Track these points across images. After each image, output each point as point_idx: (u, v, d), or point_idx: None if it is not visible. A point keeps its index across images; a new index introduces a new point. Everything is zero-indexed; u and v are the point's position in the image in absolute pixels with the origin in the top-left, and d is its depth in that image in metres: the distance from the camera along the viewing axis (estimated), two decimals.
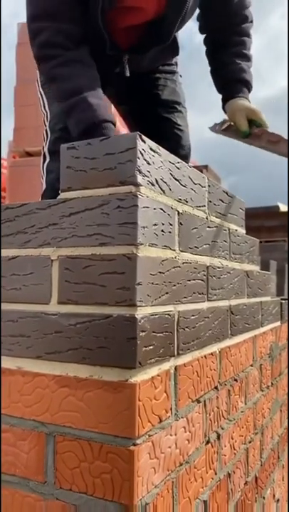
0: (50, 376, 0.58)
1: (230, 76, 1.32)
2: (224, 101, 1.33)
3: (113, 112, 1.62)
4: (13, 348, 0.61)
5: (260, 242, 1.19)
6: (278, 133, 1.21)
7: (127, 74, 1.21)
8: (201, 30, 1.37)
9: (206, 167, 4.96)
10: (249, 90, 1.34)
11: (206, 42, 1.38)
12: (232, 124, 1.30)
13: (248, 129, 1.25)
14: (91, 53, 1.10)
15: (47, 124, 1.29)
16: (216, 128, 1.32)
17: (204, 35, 1.38)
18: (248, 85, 1.33)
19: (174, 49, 1.31)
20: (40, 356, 0.59)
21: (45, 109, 1.30)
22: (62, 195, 0.59)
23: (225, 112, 1.34)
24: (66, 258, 0.58)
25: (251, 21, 1.34)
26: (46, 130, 1.29)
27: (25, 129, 3.97)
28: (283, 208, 7.65)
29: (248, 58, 1.34)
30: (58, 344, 0.58)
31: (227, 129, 1.31)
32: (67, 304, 0.58)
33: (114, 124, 1.10)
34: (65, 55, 1.05)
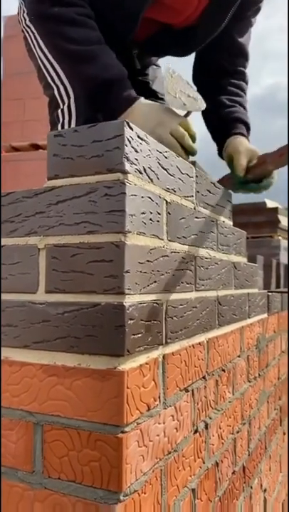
0: (38, 365, 0.58)
1: (231, 115, 1.23)
2: (222, 141, 1.22)
3: None
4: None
5: (247, 238, 1.20)
6: (277, 148, 1.10)
7: (138, 66, 1.20)
8: (196, 73, 1.32)
9: (193, 163, 4.97)
10: (248, 135, 1.24)
11: (201, 85, 1.26)
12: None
13: (244, 176, 1.13)
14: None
15: (66, 100, 1.12)
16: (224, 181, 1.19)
17: (199, 75, 1.33)
18: (248, 129, 1.24)
19: None
20: (28, 346, 0.59)
21: (61, 83, 1.13)
22: (49, 183, 0.59)
23: (221, 156, 1.25)
24: (53, 247, 0.58)
25: (247, 82, 1.32)
26: (66, 109, 1.13)
27: (11, 124, 3.93)
28: (270, 204, 7.71)
29: (245, 109, 1.28)
30: (46, 333, 0.58)
31: (222, 180, 1.19)
32: (54, 292, 0.58)
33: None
34: (83, 7, 1.01)
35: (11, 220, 0.61)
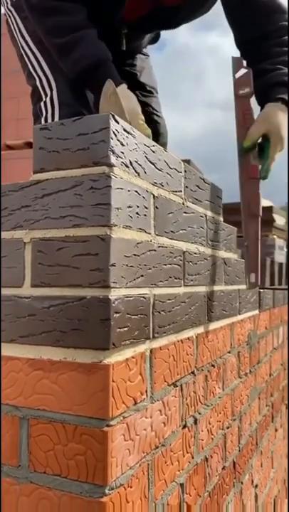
0: (24, 359, 0.58)
1: (271, 81, 1.12)
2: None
3: None
4: None
5: (240, 236, 1.19)
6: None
7: (124, 47, 1.16)
8: (237, 43, 1.22)
9: (188, 161, 4.98)
10: None
11: (243, 55, 1.20)
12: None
13: (249, 146, 1.03)
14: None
15: (49, 92, 1.12)
16: (236, 76, 1.07)
17: (240, 50, 1.22)
18: None
19: (158, 36, 1.30)
20: (14, 340, 0.59)
21: (43, 73, 1.13)
22: (35, 177, 0.59)
23: None
24: (39, 240, 0.58)
25: None
26: (49, 101, 1.11)
27: (5, 122, 3.91)
28: (264, 203, 7.73)
29: None
30: (32, 327, 0.57)
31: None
32: (40, 286, 0.57)
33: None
34: None
35: (1, 214, 0.61)
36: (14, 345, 0.58)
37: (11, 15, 1.17)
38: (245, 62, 1.08)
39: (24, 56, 1.16)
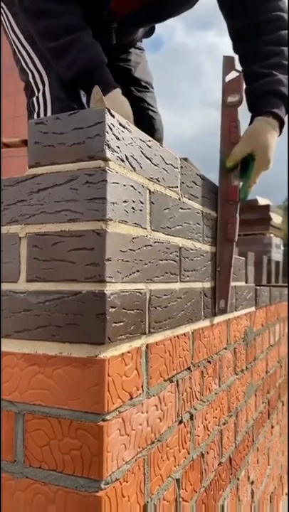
0: (19, 354, 0.58)
1: (263, 88, 1.04)
2: (251, 122, 1.05)
3: None
4: None
5: (239, 235, 1.18)
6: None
7: (114, 41, 1.15)
8: (230, 35, 1.14)
9: (185, 159, 4.98)
10: (286, 108, 1.04)
11: (236, 51, 1.14)
12: None
13: (232, 166, 0.98)
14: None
15: (41, 87, 1.11)
16: (226, 78, 1.00)
17: (233, 44, 1.15)
18: (285, 100, 1.03)
19: (152, 29, 1.29)
20: (10, 335, 0.58)
21: (35, 68, 1.12)
22: (31, 171, 0.58)
23: None
24: (34, 235, 0.58)
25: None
26: (41, 96, 1.10)
27: (2, 120, 3.90)
28: (262, 201, 7.75)
29: (287, 70, 1.06)
30: (27, 322, 0.57)
31: None
32: (35, 281, 0.57)
33: (123, 90, 1.03)
34: None
35: (1, 209, 0.61)
36: (10, 340, 0.58)
37: (2, 11, 1.17)
38: (237, 64, 1.02)
39: (16, 52, 1.16)
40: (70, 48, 0.98)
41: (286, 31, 1.07)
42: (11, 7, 1.15)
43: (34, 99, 1.12)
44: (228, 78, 1.00)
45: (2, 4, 1.16)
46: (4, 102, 3.94)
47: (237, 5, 1.09)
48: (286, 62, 1.06)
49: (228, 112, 0.99)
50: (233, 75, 0.99)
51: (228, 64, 1.00)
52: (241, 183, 1.01)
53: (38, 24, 1.01)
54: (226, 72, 1.00)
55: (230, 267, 0.95)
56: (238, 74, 0.99)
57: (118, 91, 1.01)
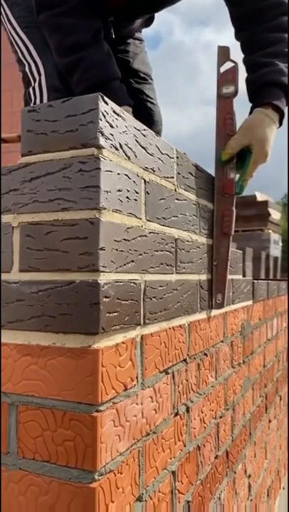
0: (13, 345, 0.57)
1: (263, 79, 1.02)
2: (251, 112, 1.03)
3: None
4: None
5: (237, 231, 1.16)
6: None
7: (113, 36, 1.14)
8: (232, 21, 1.11)
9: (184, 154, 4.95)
10: (287, 99, 1.02)
11: (237, 39, 1.12)
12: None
13: (227, 159, 0.96)
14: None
15: (37, 77, 1.11)
16: (221, 68, 0.97)
17: (234, 31, 1.12)
18: (285, 91, 1.01)
19: (152, 19, 1.28)
20: (3, 326, 0.58)
21: (32, 59, 1.12)
22: (23, 160, 0.58)
23: None
24: (27, 225, 0.57)
25: None
26: (37, 87, 1.11)
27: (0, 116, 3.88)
28: (260, 197, 7.75)
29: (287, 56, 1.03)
30: (20, 313, 0.57)
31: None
32: (28, 271, 0.56)
33: (121, 80, 1.02)
34: (69, 2, 0.97)
35: (1, 200, 0.60)
36: (3, 331, 0.58)
37: (25, 39, 1.17)
38: (232, 54, 0.99)
39: (14, 43, 1.15)
40: (78, 67, 0.98)
41: (286, 17, 1.06)
42: None
43: (30, 89, 1.11)
44: (222, 69, 0.98)
45: (22, 34, 1.16)
46: (2, 97, 3.91)
47: None
48: (287, 50, 1.04)
49: (224, 103, 0.98)
50: (228, 65, 0.97)
51: (223, 54, 0.98)
52: (238, 176, 1.00)
53: (52, 39, 1.02)
54: (220, 63, 0.98)
55: (226, 260, 0.94)
56: (233, 64, 0.97)
57: (126, 109, 0.99)
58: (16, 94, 4.01)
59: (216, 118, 0.99)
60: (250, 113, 1.03)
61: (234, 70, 0.97)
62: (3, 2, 1.17)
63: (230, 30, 1.14)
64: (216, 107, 0.99)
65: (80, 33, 0.99)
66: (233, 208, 0.97)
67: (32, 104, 1.11)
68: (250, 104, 1.06)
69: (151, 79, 1.36)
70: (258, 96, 1.02)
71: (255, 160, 0.99)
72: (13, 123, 3.95)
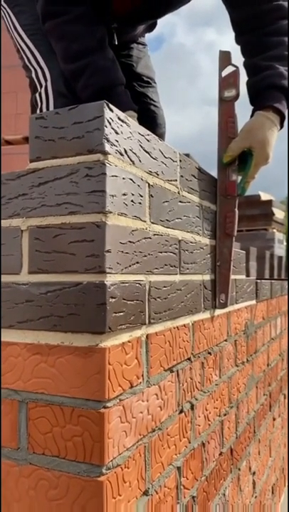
0: (22, 344, 0.59)
1: (264, 82, 1.04)
2: (252, 115, 1.04)
3: None
4: None
5: (242, 230, 1.18)
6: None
7: (115, 42, 1.17)
8: (232, 26, 1.13)
9: (187, 155, 4.98)
10: (288, 102, 1.03)
11: (237, 42, 1.14)
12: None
13: (229, 161, 0.98)
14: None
15: (44, 83, 1.13)
16: (222, 73, 0.99)
17: (235, 35, 1.14)
18: (286, 94, 1.02)
19: (154, 24, 1.30)
20: (13, 325, 0.60)
21: (38, 65, 1.15)
22: (32, 165, 0.60)
23: None
24: (36, 228, 0.59)
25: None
26: (43, 92, 1.13)
27: (4, 117, 3.91)
28: (264, 196, 7.74)
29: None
30: (30, 313, 0.59)
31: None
32: (37, 273, 0.58)
33: (125, 85, 1.04)
34: (74, 10, 1.00)
35: (1, 204, 0.62)
36: (13, 330, 0.60)
37: (5, 11, 1.19)
38: (233, 58, 1.01)
39: (20, 49, 1.18)
40: (83, 73, 1.01)
41: (286, 21, 1.07)
42: (13, 6, 1.17)
43: (37, 95, 1.14)
44: (224, 73, 1.00)
45: (4, 5, 1.18)
46: (6, 99, 3.95)
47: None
48: (287, 53, 1.05)
49: (225, 106, 0.99)
50: (229, 69, 0.99)
51: (224, 58, 1.00)
52: (240, 178, 1.02)
53: (57, 47, 1.05)
54: (222, 67, 1.00)
55: (229, 261, 0.96)
56: (234, 69, 0.99)
57: (130, 114, 1.01)
58: (20, 96, 4.05)
59: (218, 121, 1.01)
60: (252, 116, 1.05)
61: (235, 74, 0.99)
62: (8, 10, 1.20)
63: (232, 32, 1.16)
64: (218, 110, 1.00)
65: (85, 39, 1.01)
66: (236, 210, 0.98)
67: (38, 110, 1.13)
68: (251, 107, 1.08)
69: (155, 82, 1.38)
70: (259, 99, 1.04)
71: (257, 162, 1.01)
72: (18, 125, 3.99)
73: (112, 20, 1.15)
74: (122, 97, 1.03)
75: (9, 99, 4.01)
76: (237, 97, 0.99)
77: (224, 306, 0.97)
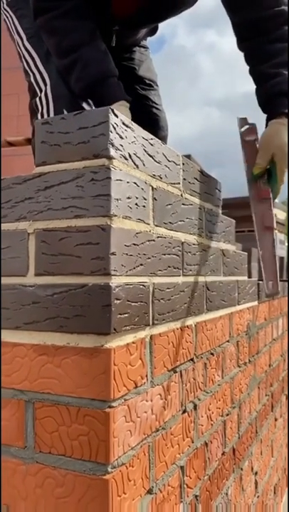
0: (29, 345, 0.60)
1: (274, 89, 1.07)
2: (266, 125, 1.09)
3: None
4: None
5: (243, 231, 1.21)
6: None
7: (113, 44, 1.17)
8: (234, 29, 1.15)
9: (188, 156, 5.00)
10: None
11: (240, 48, 1.16)
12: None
13: (259, 173, 1.04)
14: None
15: (43, 88, 1.14)
16: (242, 130, 1.09)
17: (237, 41, 1.16)
18: None
19: (156, 28, 1.31)
20: (19, 327, 0.61)
21: (37, 69, 1.15)
22: (38, 170, 0.61)
23: None
24: (42, 231, 0.60)
25: None
26: (43, 97, 1.13)
27: (6, 118, 3.93)
28: None
29: None
30: (36, 314, 0.60)
31: (249, 144, 1.08)
32: (44, 275, 0.60)
33: (118, 77, 1.05)
34: (64, 5, 1.01)
35: (1, 206, 0.63)
36: (19, 331, 0.61)
37: (7, 14, 1.20)
38: (248, 119, 1.09)
39: (20, 53, 1.19)
40: (75, 66, 1.01)
41: (287, 27, 1.08)
42: (16, 9, 1.18)
43: (37, 99, 1.14)
44: (243, 129, 1.09)
45: (7, 8, 1.19)
46: (9, 101, 3.96)
47: (237, 2, 1.11)
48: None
49: (248, 145, 1.08)
50: (247, 126, 1.09)
51: (242, 122, 1.09)
52: (271, 189, 1.07)
53: (49, 42, 1.06)
54: (240, 127, 1.09)
55: (273, 249, 1.00)
56: (251, 125, 1.08)
57: (122, 103, 1.02)
58: (22, 97, 4.07)
59: (243, 153, 1.08)
60: (266, 125, 1.09)
61: (254, 128, 1.08)
62: (11, 13, 1.21)
63: (233, 34, 1.17)
64: (242, 146, 1.08)
65: (76, 33, 1.02)
66: (272, 208, 1.04)
67: (39, 115, 1.14)
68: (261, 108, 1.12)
69: (157, 85, 1.39)
70: (270, 107, 1.08)
71: (280, 167, 1.05)
72: (19, 127, 4.00)
73: (113, 22, 1.15)
74: (114, 88, 1.03)
75: (11, 101, 4.02)
76: (257, 139, 1.08)
77: (274, 293, 0.99)
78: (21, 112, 4.07)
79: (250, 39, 1.12)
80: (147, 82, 1.36)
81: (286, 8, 1.11)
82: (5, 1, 1.19)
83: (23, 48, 1.19)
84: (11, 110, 4.00)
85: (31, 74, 1.17)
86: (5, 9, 1.21)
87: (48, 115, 1.11)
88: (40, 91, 1.14)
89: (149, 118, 1.31)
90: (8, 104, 3.92)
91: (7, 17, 1.21)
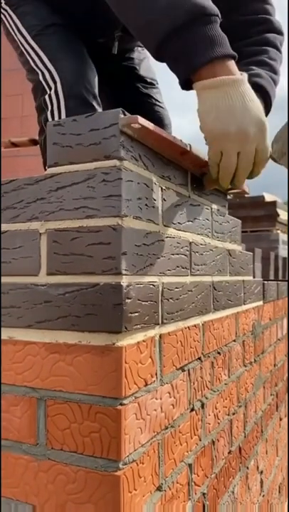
0: (41, 344, 0.61)
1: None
2: None
3: None
4: (4, 318, 0.64)
5: (246, 231, 1.20)
6: None
7: (115, 52, 1.18)
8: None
9: None
10: (267, 103, 0.94)
11: None
12: None
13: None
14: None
15: (53, 85, 1.09)
16: None
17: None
18: (264, 95, 0.93)
19: None
20: (31, 325, 0.62)
21: (45, 67, 1.10)
22: (50, 171, 0.62)
23: None
24: (54, 231, 0.61)
25: (279, 32, 1.04)
26: (53, 94, 1.09)
27: (10, 120, 3.95)
28: (269, 198, 7.75)
29: (271, 68, 0.99)
30: (48, 313, 0.61)
31: None
32: (55, 274, 0.61)
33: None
34: None
35: (13, 207, 0.64)
36: (31, 330, 0.62)
37: (6, 14, 1.18)
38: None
39: (24, 52, 1.17)
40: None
41: (272, 34, 1.04)
42: (16, 7, 1.16)
43: (46, 97, 1.13)
44: None
45: (6, 7, 1.18)
46: (12, 102, 3.98)
47: (220, 5, 1.06)
48: (269, 61, 1.00)
49: None
50: None
51: None
52: None
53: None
54: None
55: None
56: None
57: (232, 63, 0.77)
58: (26, 98, 4.08)
59: None
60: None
61: None
62: (10, 12, 1.19)
63: None
64: None
65: None
66: None
67: (49, 112, 1.14)
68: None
69: (157, 83, 1.40)
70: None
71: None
72: (23, 127, 4.02)
73: (117, 28, 1.15)
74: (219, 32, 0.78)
75: (15, 102, 4.04)
76: None
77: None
78: (25, 112, 4.08)
79: (231, 42, 1.08)
80: (148, 80, 1.36)
81: (273, 17, 1.07)
82: (3, 1, 1.17)
83: (27, 47, 1.17)
84: (14, 111, 4.02)
85: (39, 72, 1.15)
86: (4, 8, 1.19)
87: (59, 113, 1.10)
88: (50, 89, 1.14)
89: (153, 116, 1.32)
90: (12, 105, 3.93)
91: (5, 16, 1.19)
